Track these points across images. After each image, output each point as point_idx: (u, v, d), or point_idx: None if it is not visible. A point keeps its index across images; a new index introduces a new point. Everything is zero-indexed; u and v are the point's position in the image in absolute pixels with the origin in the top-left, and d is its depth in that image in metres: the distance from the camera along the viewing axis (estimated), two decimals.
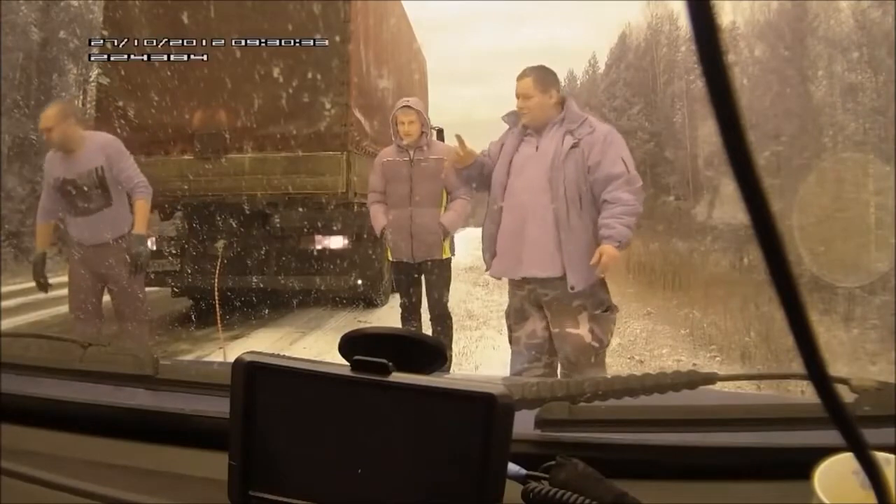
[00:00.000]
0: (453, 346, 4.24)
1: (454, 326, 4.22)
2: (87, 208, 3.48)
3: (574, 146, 2.66)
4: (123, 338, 3.65)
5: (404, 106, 3.89)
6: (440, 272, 3.94)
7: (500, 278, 2.94)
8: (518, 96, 2.76)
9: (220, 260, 5.75)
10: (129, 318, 3.71)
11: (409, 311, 4.03)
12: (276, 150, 6.12)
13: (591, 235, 2.64)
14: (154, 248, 6.77)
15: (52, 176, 3.49)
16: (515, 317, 2.82)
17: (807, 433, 0.67)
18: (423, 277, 3.96)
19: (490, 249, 2.84)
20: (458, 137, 2.95)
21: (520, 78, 2.80)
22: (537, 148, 2.74)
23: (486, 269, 2.96)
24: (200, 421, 0.75)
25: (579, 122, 2.72)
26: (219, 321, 4.11)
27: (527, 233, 2.69)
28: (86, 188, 3.43)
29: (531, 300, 2.76)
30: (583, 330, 2.66)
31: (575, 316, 2.67)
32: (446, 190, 3.88)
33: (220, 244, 6.08)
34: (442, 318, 3.99)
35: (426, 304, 4.01)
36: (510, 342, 2.90)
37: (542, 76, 2.81)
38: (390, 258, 4.01)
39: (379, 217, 3.92)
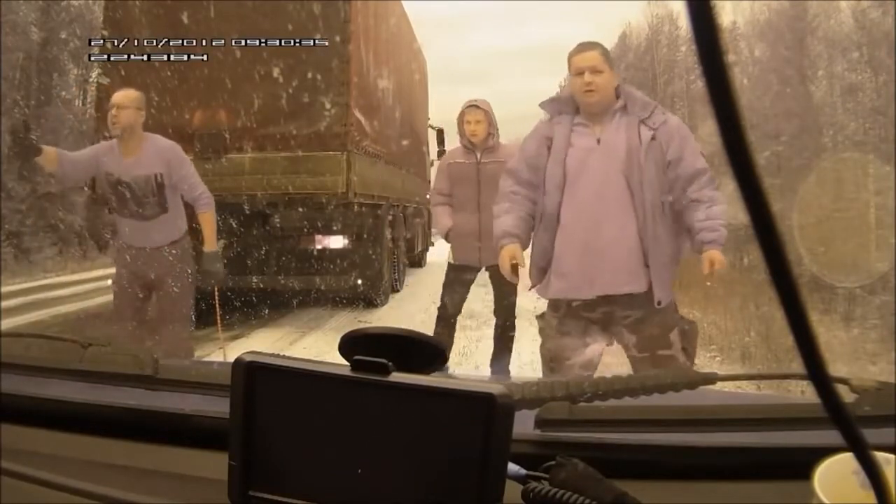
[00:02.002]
0: (454, 346, 4.24)
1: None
2: (141, 213, 3.28)
3: (653, 138, 2.27)
4: (164, 343, 3.49)
5: (471, 105, 3.76)
6: (471, 278, 3.89)
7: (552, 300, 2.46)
8: (581, 72, 2.29)
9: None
10: (171, 324, 3.52)
11: (448, 317, 3.93)
12: (276, 150, 6.12)
13: (675, 241, 2.29)
14: None
15: (105, 169, 3.27)
16: (571, 346, 2.35)
17: (807, 433, 0.67)
18: (490, 283, 3.84)
19: (542, 264, 2.37)
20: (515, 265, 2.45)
21: (583, 50, 2.35)
22: (599, 141, 2.30)
23: (532, 287, 2.46)
24: (200, 421, 0.75)
25: (650, 110, 2.33)
26: (219, 321, 4.10)
27: (602, 243, 2.25)
28: (141, 194, 3.25)
29: (602, 323, 2.32)
30: (675, 350, 2.30)
31: (667, 335, 2.30)
32: None
33: (220, 244, 6.08)
34: (510, 326, 3.88)
35: (466, 309, 3.97)
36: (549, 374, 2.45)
37: (606, 51, 2.40)
38: (451, 261, 3.93)
39: (444, 219, 3.83)
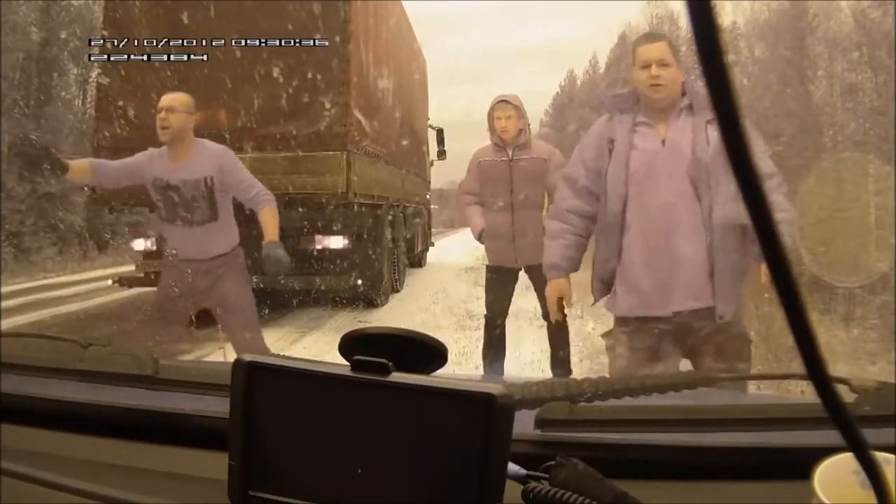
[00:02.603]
0: (454, 346, 4.24)
1: (454, 326, 4.21)
2: (190, 219, 3.14)
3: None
4: (238, 350, 3.23)
5: (501, 101, 3.63)
6: (512, 281, 3.78)
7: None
8: (647, 64, 2.10)
9: None
10: (245, 333, 3.31)
11: (493, 319, 3.79)
12: (275, 150, 6.12)
13: (742, 251, 2.09)
14: (154, 248, 6.79)
15: (150, 173, 3.16)
16: (645, 363, 2.14)
17: (807, 433, 0.67)
18: (532, 283, 3.70)
19: (605, 276, 2.18)
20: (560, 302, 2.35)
21: (650, 40, 2.19)
22: (664, 142, 2.11)
23: (595, 302, 2.30)
24: (200, 421, 0.75)
25: None
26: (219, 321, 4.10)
27: (672, 255, 2.07)
28: (191, 197, 3.13)
29: (674, 338, 2.14)
30: (746, 364, 2.16)
31: (741, 350, 2.15)
32: (547, 191, 3.56)
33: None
34: (562, 326, 3.65)
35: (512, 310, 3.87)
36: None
37: (672, 43, 2.21)
38: (487, 263, 3.82)
39: (476, 219, 3.71)
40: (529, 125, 3.73)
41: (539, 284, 3.54)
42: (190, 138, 3.20)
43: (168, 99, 3.17)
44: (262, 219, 3.24)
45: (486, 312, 3.87)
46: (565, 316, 2.43)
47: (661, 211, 2.07)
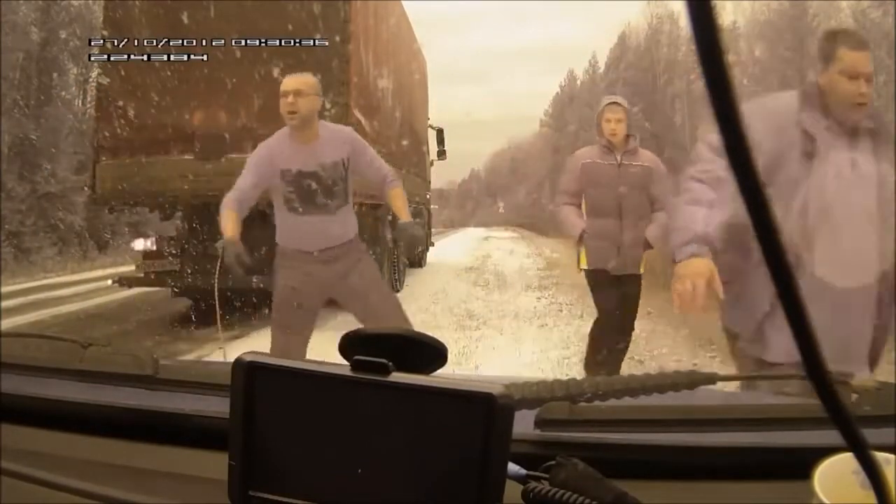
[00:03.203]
0: (454, 346, 4.23)
1: (454, 326, 4.19)
2: (328, 206, 2.95)
3: None
4: None
5: (612, 103, 3.54)
6: (636, 288, 3.60)
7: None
8: (857, 76, 1.78)
9: (220, 260, 5.75)
10: (384, 313, 3.11)
11: (612, 326, 3.56)
12: None
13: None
14: (154, 248, 6.79)
15: (280, 167, 2.93)
16: None
17: (807, 433, 0.67)
18: (622, 292, 3.57)
19: (757, 312, 1.75)
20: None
21: (861, 47, 1.87)
22: (853, 165, 1.74)
23: (732, 339, 1.91)
24: (200, 421, 0.75)
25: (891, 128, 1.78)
26: (219, 321, 4.11)
27: (848, 304, 1.73)
28: (332, 182, 2.94)
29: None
30: None
31: None
32: (650, 200, 3.48)
33: (221, 244, 6.08)
34: (629, 333, 3.64)
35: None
36: None
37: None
38: (584, 266, 3.59)
39: (575, 220, 3.52)
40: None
41: (626, 294, 3.52)
42: (317, 121, 3.02)
43: (294, 82, 2.97)
44: (396, 199, 3.11)
45: (599, 328, 3.64)
46: (698, 311, 1.83)
47: (848, 247, 1.72)
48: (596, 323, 3.68)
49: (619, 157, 3.46)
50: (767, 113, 1.80)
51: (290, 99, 2.93)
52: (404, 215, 3.11)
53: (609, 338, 3.55)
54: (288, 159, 2.93)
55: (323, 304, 3.17)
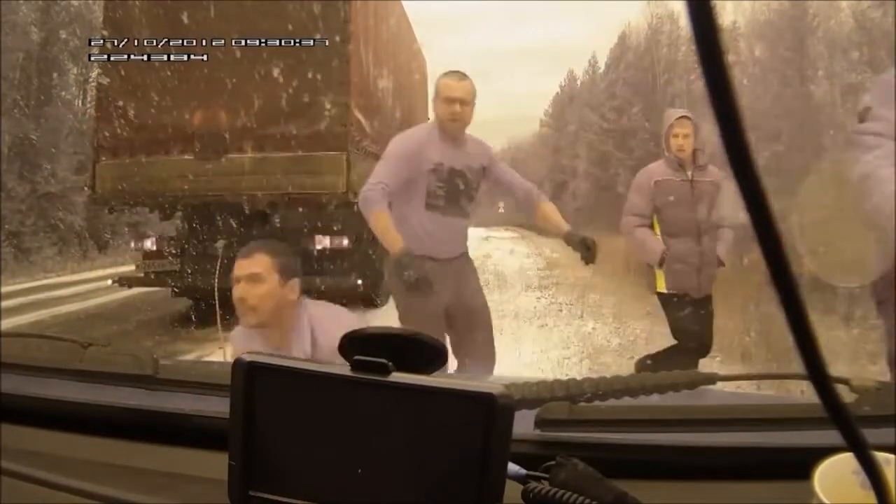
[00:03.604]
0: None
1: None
2: (464, 210, 2.81)
3: None
4: (476, 356, 2.84)
5: (682, 117, 3.34)
6: (710, 306, 3.41)
7: None
8: None
9: (220, 260, 5.75)
10: (482, 333, 2.93)
11: (691, 350, 3.34)
12: (276, 150, 6.13)
13: None
14: (154, 248, 6.79)
15: (432, 160, 2.73)
16: None
17: (807, 433, 0.67)
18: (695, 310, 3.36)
19: None
20: None
21: None
22: None
23: None
24: (200, 421, 0.75)
25: None
26: (219, 321, 4.10)
27: None
28: (475, 185, 2.82)
29: None
30: None
31: None
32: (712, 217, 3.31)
33: (221, 244, 6.09)
34: (707, 350, 3.42)
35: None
36: None
37: None
38: (662, 289, 3.36)
39: (653, 243, 3.29)
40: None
41: (707, 314, 3.34)
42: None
43: (461, 91, 2.80)
44: (551, 214, 2.93)
45: (677, 350, 3.42)
46: None
47: None
48: (672, 349, 3.44)
49: (690, 174, 3.28)
50: None
51: (458, 108, 2.76)
52: (564, 226, 2.88)
53: (687, 361, 3.29)
54: (440, 154, 2.75)
55: (442, 311, 2.86)
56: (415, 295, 2.49)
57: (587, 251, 2.74)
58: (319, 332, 1.83)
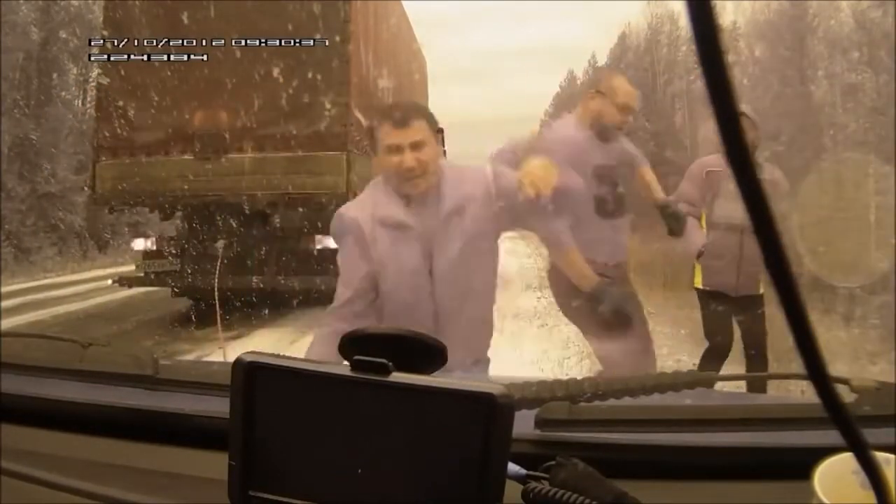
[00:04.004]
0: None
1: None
2: (621, 209, 2.61)
3: None
4: (638, 365, 2.57)
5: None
6: (760, 308, 3.28)
7: None
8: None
9: (220, 260, 5.75)
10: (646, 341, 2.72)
11: (720, 354, 3.29)
12: (276, 150, 6.13)
13: None
14: (154, 248, 6.80)
15: (593, 163, 2.51)
16: None
17: (807, 433, 0.67)
18: (739, 314, 3.30)
19: None
20: None
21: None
22: None
23: None
24: (200, 421, 0.75)
25: None
26: (219, 321, 4.10)
27: None
28: (623, 183, 2.63)
29: None
30: None
31: None
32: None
33: (221, 244, 6.09)
34: (764, 358, 3.31)
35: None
36: None
37: None
38: (699, 284, 3.31)
39: (695, 234, 3.18)
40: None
41: (751, 316, 3.25)
42: None
43: (629, 94, 2.65)
44: (648, 178, 2.81)
45: (708, 354, 3.36)
46: None
47: None
48: (705, 352, 3.37)
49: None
50: None
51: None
52: (659, 194, 2.79)
53: (716, 365, 3.23)
54: (599, 154, 2.56)
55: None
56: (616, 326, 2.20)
57: (676, 223, 2.69)
58: (447, 188, 1.75)
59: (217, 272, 5.44)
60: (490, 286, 1.83)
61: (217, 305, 4.41)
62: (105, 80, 6.72)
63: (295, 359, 0.55)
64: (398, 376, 0.51)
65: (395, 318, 1.73)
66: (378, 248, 1.73)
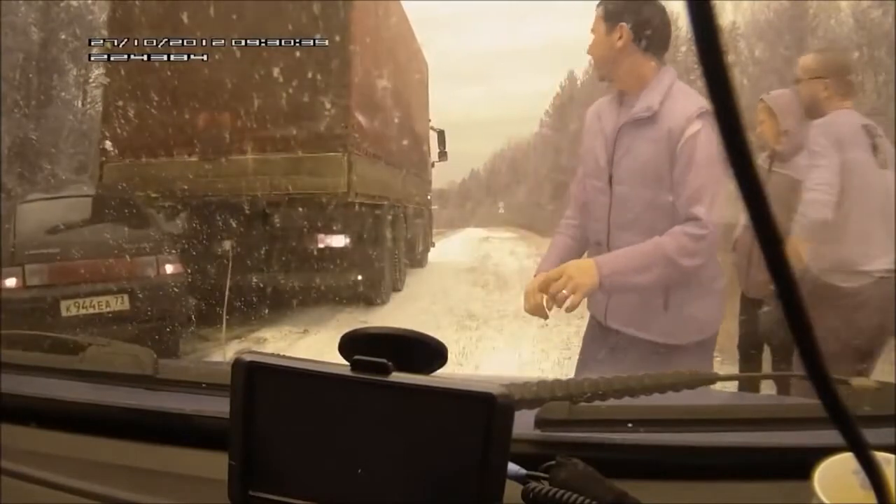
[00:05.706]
0: (454, 346, 4.21)
1: (454, 326, 4.14)
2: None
3: None
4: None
5: (759, 100, 3.02)
6: (767, 312, 3.04)
7: None
8: None
9: (230, 261, 5.75)
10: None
11: (747, 348, 3.18)
12: (276, 150, 6.13)
13: None
14: None
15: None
16: None
17: (807, 433, 0.67)
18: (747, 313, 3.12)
19: None
20: None
21: None
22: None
23: None
24: (200, 421, 0.75)
25: None
26: (223, 321, 4.10)
27: None
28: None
29: None
30: None
31: None
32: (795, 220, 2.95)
33: (227, 244, 6.11)
34: (788, 352, 3.09)
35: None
36: None
37: None
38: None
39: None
40: (786, 132, 2.92)
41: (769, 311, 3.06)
42: None
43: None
44: None
45: (743, 355, 3.27)
46: None
47: None
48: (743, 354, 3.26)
49: (768, 163, 2.92)
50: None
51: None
52: None
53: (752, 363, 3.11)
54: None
55: None
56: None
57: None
58: (669, 100, 1.68)
59: (229, 272, 5.43)
60: None
61: (224, 305, 4.39)
62: (106, 80, 6.74)
63: (295, 359, 0.55)
64: (398, 376, 0.50)
65: None
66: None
